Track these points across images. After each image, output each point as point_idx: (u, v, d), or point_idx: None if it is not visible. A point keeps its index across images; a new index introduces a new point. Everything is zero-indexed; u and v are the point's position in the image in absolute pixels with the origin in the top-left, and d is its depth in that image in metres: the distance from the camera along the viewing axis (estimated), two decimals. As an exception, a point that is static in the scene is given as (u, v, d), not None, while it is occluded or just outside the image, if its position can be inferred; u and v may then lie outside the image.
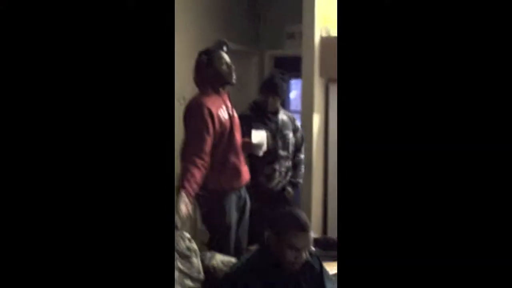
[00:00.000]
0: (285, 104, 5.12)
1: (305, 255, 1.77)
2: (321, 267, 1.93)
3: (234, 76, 2.48)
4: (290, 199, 3.09)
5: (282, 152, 3.00)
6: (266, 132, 2.78)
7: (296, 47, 4.32)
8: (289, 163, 3.06)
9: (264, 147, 2.59)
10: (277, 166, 2.99)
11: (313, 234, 1.82)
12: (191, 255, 2.14)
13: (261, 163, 2.93)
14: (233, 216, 2.47)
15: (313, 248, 2.01)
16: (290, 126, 3.08)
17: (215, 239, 2.42)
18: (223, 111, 2.44)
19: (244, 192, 2.58)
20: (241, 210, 2.57)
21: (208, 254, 2.21)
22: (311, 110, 3.61)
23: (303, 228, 1.75)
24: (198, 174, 2.24)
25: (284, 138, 3.02)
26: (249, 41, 4.77)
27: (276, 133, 2.98)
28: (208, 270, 2.12)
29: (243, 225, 2.59)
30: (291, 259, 1.74)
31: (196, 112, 2.33)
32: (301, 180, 3.19)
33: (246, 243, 2.62)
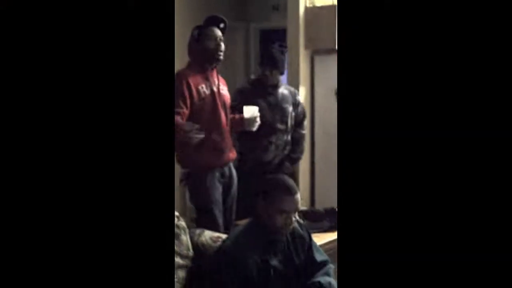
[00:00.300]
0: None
1: (294, 219, 1.80)
2: (310, 236, 1.97)
3: (221, 53, 2.46)
4: (288, 174, 3.07)
5: (279, 125, 2.96)
6: (264, 104, 2.78)
7: (281, 18, 4.27)
8: (287, 137, 3.02)
9: (257, 122, 2.57)
10: (273, 139, 2.95)
11: (301, 201, 1.83)
12: (180, 232, 2.15)
13: (258, 136, 2.89)
14: (216, 193, 2.48)
15: (301, 220, 2.03)
16: (290, 100, 3.03)
17: (200, 216, 2.43)
18: (205, 86, 2.44)
19: (228, 170, 2.59)
20: (226, 187, 2.58)
21: (197, 231, 2.22)
22: (297, 83, 3.59)
23: (290, 192, 1.78)
24: (178, 118, 2.31)
25: (283, 111, 2.97)
26: (235, 15, 4.70)
27: (275, 106, 2.95)
28: (197, 247, 2.13)
29: (229, 202, 2.61)
30: (281, 223, 1.77)
31: (178, 84, 2.35)
32: (301, 155, 3.17)
33: (234, 219, 2.65)
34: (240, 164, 2.87)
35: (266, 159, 2.96)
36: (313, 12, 3.63)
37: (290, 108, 3.02)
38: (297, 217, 1.92)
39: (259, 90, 2.95)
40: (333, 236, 2.55)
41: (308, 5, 3.66)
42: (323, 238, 2.46)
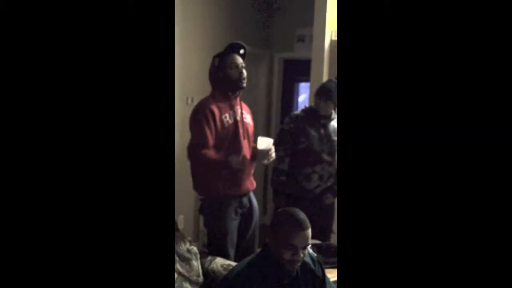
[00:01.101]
0: (293, 107, 5.12)
1: (302, 254, 1.75)
2: (323, 273, 1.91)
3: (244, 81, 2.44)
4: (327, 205, 3.06)
5: (326, 157, 2.98)
6: (315, 134, 2.81)
7: (306, 50, 4.29)
8: (332, 169, 3.04)
9: (271, 156, 2.47)
10: (317, 169, 2.97)
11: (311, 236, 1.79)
12: (191, 257, 2.12)
13: (303, 164, 2.95)
14: (231, 224, 2.42)
15: (314, 255, 1.98)
16: None
17: (212, 244, 2.39)
18: (228, 116, 2.42)
19: (248, 200, 2.52)
20: (246, 218, 2.51)
21: (209, 257, 2.19)
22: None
23: (301, 226, 1.73)
24: (208, 152, 2.32)
25: (331, 143, 3.00)
26: (260, 43, 4.75)
27: (324, 137, 2.98)
28: (208, 273, 2.10)
29: (249, 233, 2.53)
30: (288, 257, 1.73)
31: (199, 112, 2.35)
32: None
33: (255, 250, 2.57)
34: (280, 185, 2.95)
35: (307, 187, 2.98)
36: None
37: None
38: (310, 251, 1.87)
39: (311, 119, 3.00)
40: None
41: (333, 38, 3.67)
42: (336, 275, 2.40)
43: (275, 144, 2.49)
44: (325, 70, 3.64)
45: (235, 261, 2.34)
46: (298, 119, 2.99)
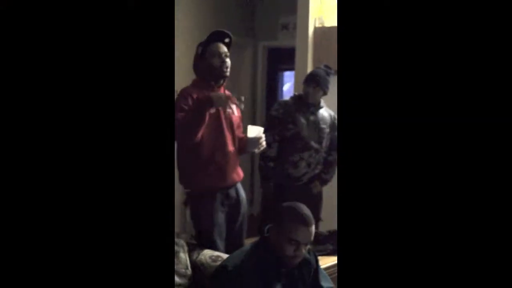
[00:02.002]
0: (277, 96, 5.10)
1: (304, 250, 1.73)
2: (317, 263, 1.91)
3: (227, 70, 2.38)
4: (315, 193, 3.05)
5: (314, 144, 2.99)
6: (303, 121, 2.82)
7: (290, 38, 4.27)
8: (319, 157, 3.04)
9: (262, 145, 2.43)
10: (305, 156, 2.98)
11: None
12: (178, 250, 2.10)
13: (290, 150, 2.95)
14: (218, 216, 2.38)
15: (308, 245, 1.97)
16: (328, 122, 3.06)
17: (200, 237, 2.36)
18: None
19: (235, 191, 2.48)
20: (233, 210, 2.46)
21: (196, 249, 2.17)
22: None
23: (305, 222, 1.71)
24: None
25: (320, 131, 3.00)
26: (243, 32, 4.71)
27: (313, 124, 2.98)
28: (196, 265, 2.08)
29: (237, 225, 2.49)
30: (290, 253, 1.71)
31: (180, 100, 2.28)
32: (331, 178, 3.16)
33: (243, 241, 2.54)
34: (268, 172, 2.95)
35: (295, 174, 2.99)
36: (322, 32, 3.62)
37: (328, 130, 3.05)
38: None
39: (300, 106, 2.99)
40: (336, 259, 2.49)
41: (317, 25, 3.65)
42: (326, 262, 2.40)
43: (264, 131, 2.46)
44: (309, 58, 3.62)
45: (225, 253, 2.33)
46: (287, 106, 2.99)
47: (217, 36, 2.41)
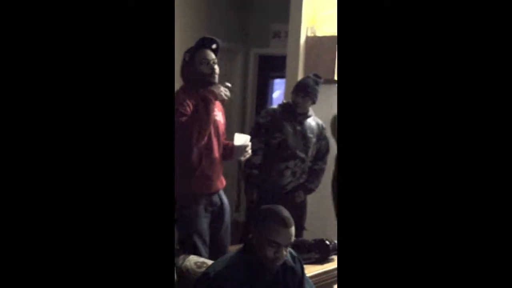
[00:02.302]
0: (267, 104, 5.11)
1: (285, 252, 1.73)
2: (303, 271, 1.90)
3: (215, 76, 2.36)
4: (298, 202, 3.05)
5: (300, 153, 2.97)
6: (290, 130, 2.82)
7: (282, 46, 4.28)
8: (305, 166, 3.03)
9: (247, 152, 2.46)
10: (291, 165, 2.96)
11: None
12: (164, 255, 2.09)
13: (276, 159, 2.94)
14: (201, 222, 2.38)
15: (294, 252, 1.97)
16: (316, 132, 3.06)
17: (183, 243, 2.36)
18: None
19: (219, 198, 2.48)
20: (216, 216, 2.47)
21: (181, 255, 2.16)
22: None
23: (285, 224, 1.72)
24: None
25: (306, 140, 2.99)
26: (235, 39, 4.71)
27: (299, 133, 2.97)
28: (181, 271, 2.06)
29: (221, 231, 2.50)
30: (271, 255, 1.71)
31: (176, 103, 2.25)
32: (316, 188, 3.14)
33: (227, 247, 2.56)
34: (252, 179, 2.93)
35: (280, 183, 2.97)
36: (314, 41, 3.64)
37: (314, 139, 3.04)
38: (290, 249, 1.86)
39: (288, 114, 2.98)
40: (321, 268, 2.49)
41: (309, 34, 3.67)
42: (310, 271, 2.40)
43: (250, 139, 2.48)
44: (300, 66, 3.63)
45: (209, 259, 2.32)
46: (275, 114, 2.98)
47: (204, 43, 2.39)
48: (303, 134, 2.99)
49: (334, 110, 3.40)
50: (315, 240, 2.75)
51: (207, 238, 2.40)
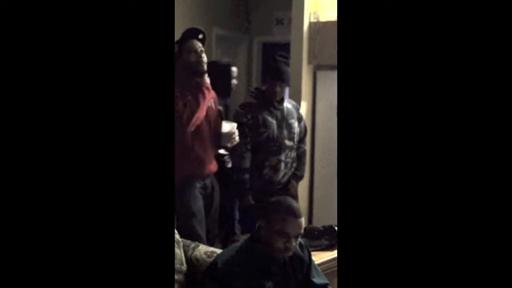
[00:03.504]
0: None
1: (295, 243, 1.73)
2: (310, 258, 1.90)
3: (204, 65, 2.46)
4: (293, 193, 2.96)
5: (287, 142, 2.87)
6: (273, 120, 2.79)
7: (285, 32, 4.25)
8: (294, 154, 2.93)
9: (235, 140, 2.55)
10: (282, 157, 2.85)
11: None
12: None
13: (267, 154, 2.83)
14: (196, 204, 2.49)
15: (301, 240, 1.96)
16: (295, 115, 2.95)
17: (181, 225, 2.41)
18: (191, 98, 2.44)
19: (210, 182, 2.60)
20: (208, 199, 2.59)
21: (192, 244, 2.16)
22: (299, 98, 3.55)
23: (294, 214, 1.72)
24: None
25: (290, 127, 2.88)
26: (238, 27, 4.69)
27: (282, 122, 2.86)
28: (191, 261, 2.07)
29: (212, 213, 2.62)
30: (281, 246, 1.71)
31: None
32: (304, 173, 3.07)
33: (216, 231, 2.69)
34: (245, 185, 2.83)
35: (275, 178, 2.87)
36: (317, 27, 3.61)
37: (296, 124, 2.93)
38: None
39: (266, 104, 2.84)
40: (331, 255, 2.49)
41: (312, 20, 3.64)
42: (320, 257, 2.40)
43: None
44: (304, 52, 3.61)
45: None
46: (252, 108, 2.82)
47: (191, 33, 2.50)
48: (285, 122, 2.87)
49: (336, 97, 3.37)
50: (324, 226, 2.75)
51: (203, 221, 2.51)
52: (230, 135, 2.54)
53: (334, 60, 3.44)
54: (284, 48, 3.90)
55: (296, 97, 3.52)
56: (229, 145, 2.58)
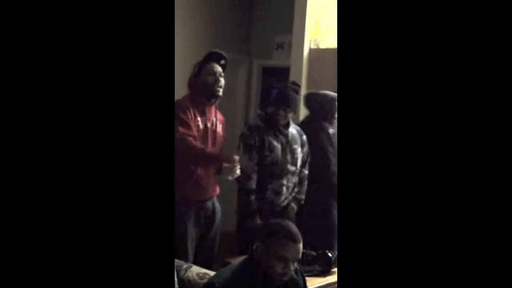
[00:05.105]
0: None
1: (292, 268, 1.74)
2: (305, 283, 1.90)
3: (219, 89, 2.48)
4: (293, 216, 2.95)
5: (290, 167, 2.90)
6: (277, 145, 2.81)
7: (285, 57, 4.30)
8: (296, 179, 2.96)
9: (236, 173, 2.52)
10: (284, 181, 2.88)
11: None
12: (166, 266, 2.08)
13: (269, 178, 2.85)
14: (190, 227, 2.48)
15: (296, 265, 1.96)
16: (299, 141, 2.98)
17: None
18: (200, 121, 2.47)
19: (212, 204, 2.60)
20: (208, 222, 2.59)
21: (184, 265, 2.15)
22: (297, 121, 3.57)
23: (293, 239, 1.72)
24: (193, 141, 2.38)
25: (293, 152, 2.91)
26: (238, 50, 4.73)
27: (286, 146, 2.89)
28: (183, 282, 2.06)
29: (211, 236, 2.61)
30: (279, 270, 1.71)
31: (179, 109, 2.36)
32: (304, 197, 3.08)
33: (216, 254, 2.65)
34: (252, 206, 2.83)
35: (276, 201, 2.88)
36: (317, 53, 3.66)
37: (299, 149, 2.97)
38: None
39: (272, 129, 2.87)
40: (323, 281, 2.48)
41: (312, 46, 3.68)
42: (313, 283, 2.39)
43: (240, 160, 2.52)
44: (303, 78, 3.65)
45: (193, 264, 2.35)
46: (259, 131, 2.84)
47: (213, 57, 2.51)
48: (290, 147, 2.90)
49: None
50: (317, 252, 2.74)
51: (194, 244, 2.51)
52: (231, 168, 2.49)
53: (333, 87, 3.47)
54: (283, 73, 3.95)
55: (296, 122, 3.53)
56: (230, 178, 2.54)
